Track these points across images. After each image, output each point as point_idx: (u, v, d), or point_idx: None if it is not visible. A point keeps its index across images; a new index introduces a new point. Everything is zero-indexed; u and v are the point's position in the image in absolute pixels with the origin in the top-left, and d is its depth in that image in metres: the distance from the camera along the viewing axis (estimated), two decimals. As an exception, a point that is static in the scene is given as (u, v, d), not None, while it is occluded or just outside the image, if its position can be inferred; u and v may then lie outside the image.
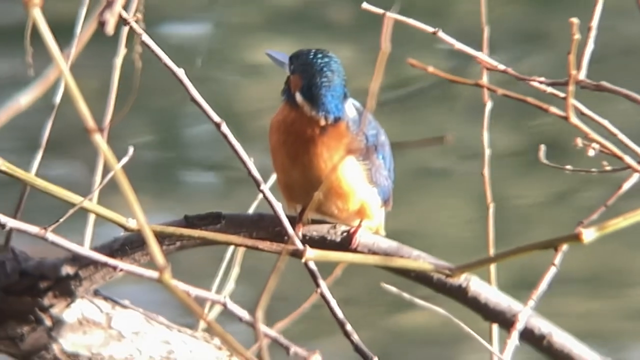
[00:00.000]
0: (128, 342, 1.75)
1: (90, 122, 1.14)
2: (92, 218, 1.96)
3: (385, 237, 1.75)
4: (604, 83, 1.35)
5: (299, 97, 1.71)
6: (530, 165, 3.35)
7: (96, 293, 1.76)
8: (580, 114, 1.43)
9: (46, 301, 1.72)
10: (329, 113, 1.69)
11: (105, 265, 1.64)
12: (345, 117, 1.71)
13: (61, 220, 1.54)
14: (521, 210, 3.27)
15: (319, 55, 1.71)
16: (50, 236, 1.49)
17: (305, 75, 1.70)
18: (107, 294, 1.77)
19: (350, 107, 1.73)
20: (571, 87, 1.27)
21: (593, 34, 1.36)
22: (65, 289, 1.72)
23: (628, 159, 1.36)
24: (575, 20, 1.30)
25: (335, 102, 1.70)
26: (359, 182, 1.71)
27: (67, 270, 1.72)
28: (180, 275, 1.39)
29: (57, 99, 1.87)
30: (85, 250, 1.55)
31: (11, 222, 1.52)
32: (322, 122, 1.69)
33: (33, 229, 1.49)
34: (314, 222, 1.74)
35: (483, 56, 1.52)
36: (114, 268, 1.50)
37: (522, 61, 3.47)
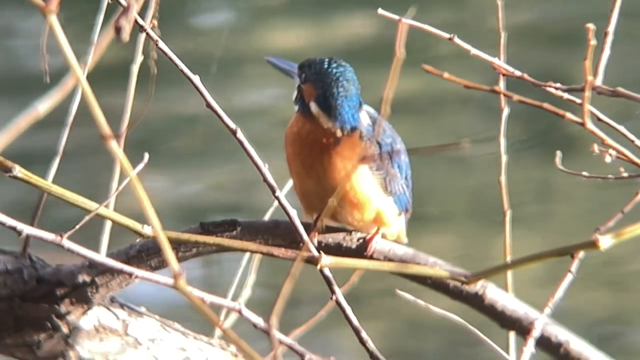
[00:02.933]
0: (144, 349, 1.75)
1: (106, 129, 1.14)
2: (108, 225, 1.96)
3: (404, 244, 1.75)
4: (620, 89, 1.35)
5: (314, 107, 1.70)
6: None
7: (112, 300, 1.77)
8: (597, 120, 1.43)
9: (63, 308, 1.73)
10: (346, 123, 1.69)
11: (121, 272, 1.64)
12: (360, 126, 1.70)
13: (77, 226, 1.55)
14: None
15: (334, 65, 1.70)
16: (67, 243, 1.49)
17: (321, 84, 1.69)
18: (124, 301, 1.78)
19: (365, 116, 1.72)
20: (587, 93, 1.27)
21: (609, 39, 1.35)
22: (82, 296, 1.72)
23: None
24: (591, 26, 1.30)
25: (352, 112, 1.69)
26: (373, 191, 1.71)
27: (84, 277, 1.72)
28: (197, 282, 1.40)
29: (74, 106, 1.88)
30: (101, 257, 1.55)
31: (28, 229, 1.53)
32: (339, 133, 1.68)
33: (49, 235, 1.50)
34: (332, 229, 1.74)
35: (499, 62, 1.52)
36: (130, 275, 1.50)
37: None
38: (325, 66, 1.70)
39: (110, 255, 1.74)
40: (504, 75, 1.51)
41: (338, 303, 1.64)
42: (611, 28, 1.36)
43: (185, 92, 3.52)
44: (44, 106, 1.16)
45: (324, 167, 1.68)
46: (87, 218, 1.53)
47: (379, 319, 3.00)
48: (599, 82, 1.34)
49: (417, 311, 1.87)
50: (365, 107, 1.73)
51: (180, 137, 3.58)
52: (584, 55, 1.27)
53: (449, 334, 2.93)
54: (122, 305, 1.77)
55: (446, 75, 1.38)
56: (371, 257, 1.72)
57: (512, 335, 1.81)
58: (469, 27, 3.73)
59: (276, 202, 1.66)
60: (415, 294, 1.82)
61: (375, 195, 1.71)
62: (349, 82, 1.69)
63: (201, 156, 3.52)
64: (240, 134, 1.65)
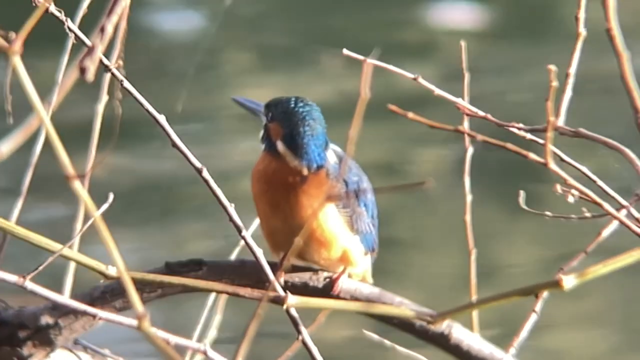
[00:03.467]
0: (108, 391, 1.73)
1: (69, 169, 1.14)
2: (72, 266, 1.95)
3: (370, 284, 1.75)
4: (582, 130, 1.36)
5: (280, 146, 1.70)
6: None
7: (76, 342, 1.75)
8: (560, 161, 1.44)
9: (25, 351, 1.70)
10: (312, 162, 1.69)
11: (85, 313, 1.63)
12: (326, 164, 1.71)
13: (40, 268, 1.53)
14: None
15: (300, 104, 1.71)
16: (29, 285, 1.48)
17: (287, 123, 1.70)
18: (87, 343, 1.76)
19: (332, 154, 1.73)
20: (550, 134, 1.28)
21: (571, 80, 1.37)
22: (44, 339, 1.70)
23: (607, 206, 1.37)
24: (553, 67, 1.31)
25: (319, 150, 1.70)
26: (339, 229, 1.71)
27: (47, 319, 1.70)
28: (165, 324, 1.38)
29: (38, 147, 1.87)
30: (64, 298, 1.54)
31: (-10, 271, 1.51)
32: (305, 172, 1.69)
33: (12, 277, 1.48)
34: (298, 268, 1.73)
35: (463, 102, 1.53)
36: (94, 316, 1.49)
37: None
38: (292, 105, 1.70)
39: (73, 296, 1.72)
40: (467, 115, 1.52)
41: (304, 343, 1.63)
42: (572, 69, 1.38)
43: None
44: (6, 147, 1.16)
45: (290, 205, 1.68)
46: (50, 259, 1.52)
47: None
48: (561, 122, 1.36)
49: (385, 352, 1.86)
50: (332, 146, 1.74)
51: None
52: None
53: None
54: (85, 348, 1.75)
55: (410, 115, 1.39)
56: (338, 297, 1.72)
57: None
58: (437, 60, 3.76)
59: (242, 242, 1.66)
60: (383, 334, 1.82)
61: (341, 234, 1.71)
62: (315, 121, 1.70)
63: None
64: (205, 173, 1.65)
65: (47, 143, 1.21)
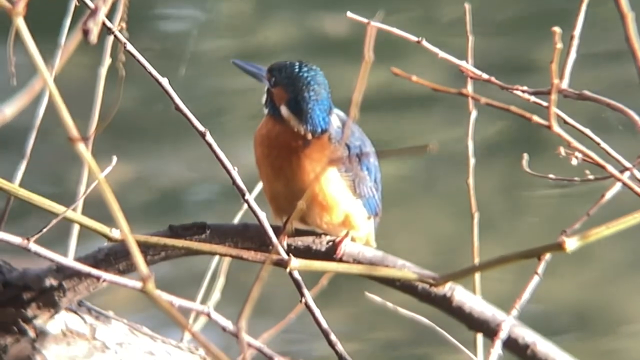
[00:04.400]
0: (112, 353, 1.74)
1: (73, 131, 1.14)
2: (76, 228, 1.95)
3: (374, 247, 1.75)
4: (586, 92, 1.36)
5: (285, 110, 1.70)
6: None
7: (80, 304, 1.76)
8: (564, 123, 1.44)
9: (30, 312, 1.71)
10: (317, 127, 1.69)
11: (89, 275, 1.63)
12: (329, 128, 1.71)
13: (44, 230, 1.54)
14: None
15: (305, 69, 1.70)
16: (33, 246, 1.48)
17: (292, 88, 1.69)
18: (91, 305, 1.77)
19: (335, 119, 1.73)
20: (553, 96, 1.28)
21: (575, 43, 1.37)
22: (49, 300, 1.71)
23: (610, 168, 1.37)
24: (557, 29, 1.31)
25: (323, 115, 1.70)
26: (341, 193, 1.71)
27: (51, 281, 1.71)
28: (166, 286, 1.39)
29: (41, 109, 1.87)
30: (68, 260, 1.55)
31: (-6, 233, 1.51)
32: (309, 136, 1.69)
33: (16, 239, 1.49)
34: (301, 232, 1.74)
35: (466, 65, 1.53)
36: (98, 279, 1.49)
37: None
38: (296, 70, 1.70)
39: (77, 259, 1.73)
40: (471, 78, 1.52)
41: (307, 306, 1.64)
42: (577, 32, 1.37)
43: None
44: (10, 109, 1.16)
45: (292, 169, 1.68)
46: (54, 221, 1.52)
47: (347, 307, 3.01)
48: (565, 85, 1.35)
49: (385, 308, 1.87)
50: (335, 111, 1.73)
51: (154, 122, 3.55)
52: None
53: (416, 333, 2.94)
54: (89, 310, 1.76)
55: (414, 78, 1.38)
56: (340, 260, 1.73)
57: (479, 337, 1.82)
58: (437, 20, 3.75)
59: (246, 205, 1.66)
60: (383, 292, 1.83)
61: (343, 198, 1.71)
62: (320, 85, 1.70)
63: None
64: (209, 137, 1.65)
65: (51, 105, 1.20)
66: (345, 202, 1.72)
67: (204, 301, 2.04)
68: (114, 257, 1.71)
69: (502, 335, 1.60)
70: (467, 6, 1.71)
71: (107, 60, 1.91)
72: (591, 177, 1.49)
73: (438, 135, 3.43)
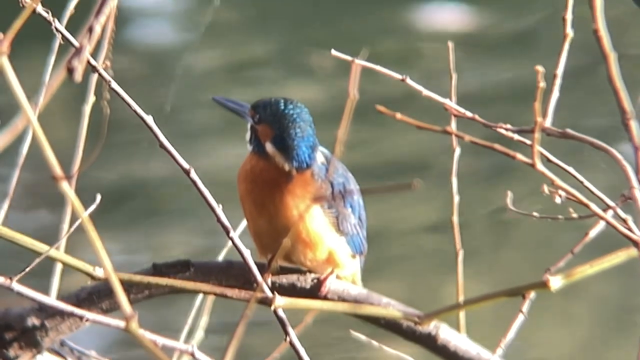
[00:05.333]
0: (95, 393, 1.72)
1: (57, 170, 1.13)
2: (59, 267, 1.94)
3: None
4: (569, 130, 1.37)
5: (270, 147, 1.70)
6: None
7: (62, 344, 1.74)
8: (547, 161, 1.45)
9: (12, 352, 1.70)
10: (302, 163, 1.69)
11: (72, 315, 1.62)
12: (313, 165, 1.71)
13: (27, 269, 1.53)
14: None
15: (290, 106, 1.71)
16: (16, 286, 1.47)
17: (277, 126, 1.70)
18: (73, 345, 1.75)
19: (320, 156, 1.73)
20: (537, 135, 1.29)
21: (558, 82, 1.38)
22: (31, 340, 1.70)
23: (594, 207, 1.37)
24: (540, 68, 1.32)
25: (309, 151, 1.70)
26: (325, 230, 1.71)
27: (33, 320, 1.70)
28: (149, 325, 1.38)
29: (25, 148, 1.86)
30: (51, 300, 1.53)
31: (-24, 272, 1.50)
32: (292, 172, 1.69)
33: (-2, 278, 1.47)
34: (285, 270, 1.73)
35: (451, 103, 1.53)
36: (81, 318, 1.48)
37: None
38: (282, 107, 1.70)
39: (60, 297, 1.71)
40: (455, 116, 1.52)
41: (292, 345, 1.63)
42: (560, 70, 1.38)
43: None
44: (-6, 147, 1.15)
45: (275, 205, 1.68)
46: (37, 260, 1.52)
47: (333, 346, 3.00)
48: (548, 123, 1.36)
49: (373, 353, 1.86)
50: (320, 148, 1.74)
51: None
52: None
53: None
54: (71, 350, 1.74)
55: (399, 115, 1.39)
56: (325, 298, 1.72)
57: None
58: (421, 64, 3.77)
59: (230, 243, 1.66)
60: (370, 334, 1.82)
61: (327, 235, 1.71)
62: (306, 123, 1.70)
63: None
64: (193, 174, 1.65)
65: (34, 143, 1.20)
66: (328, 238, 1.71)
67: (187, 340, 2.02)
68: (97, 296, 1.70)
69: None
70: (450, 44, 1.72)
71: (92, 98, 1.91)
72: (575, 215, 1.49)
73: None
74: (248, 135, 1.74)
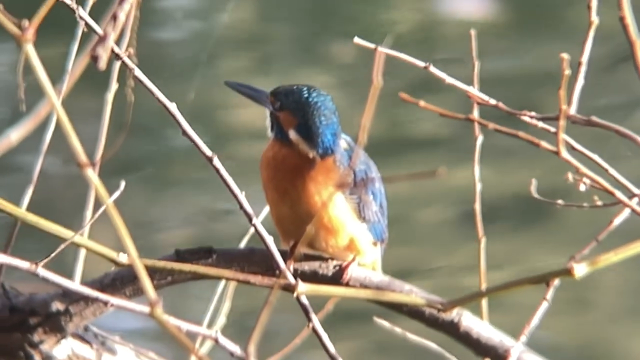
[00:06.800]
0: (118, 378, 1.74)
1: (82, 156, 1.14)
2: (83, 253, 1.95)
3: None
4: (594, 118, 1.36)
5: (293, 134, 1.70)
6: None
7: (86, 329, 1.75)
8: (572, 149, 1.44)
9: (36, 337, 1.71)
10: (327, 150, 1.69)
11: (95, 300, 1.63)
12: (335, 151, 1.71)
13: (52, 255, 1.54)
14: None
15: (314, 94, 1.70)
16: (41, 271, 1.48)
17: (301, 114, 1.69)
18: (98, 330, 1.76)
19: (343, 143, 1.73)
20: (562, 122, 1.28)
21: (583, 69, 1.37)
22: (55, 325, 1.71)
23: (619, 194, 1.37)
24: (565, 55, 1.31)
25: (333, 138, 1.70)
26: (346, 217, 1.71)
27: (58, 305, 1.71)
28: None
29: (48, 134, 1.87)
30: (75, 285, 1.54)
31: (1, 258, 1.51)
32: (315, 159, 1.69)
33: (24, 264, 1.48)
34: (307, 257, 1.73)
35: (474, 90, 1.53)
36: (105, 303, 1.49)
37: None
38: (305, 95, 1.70)
39: (84, 283, 1.72)
40: (478, 104, 1.52)
41: (315, 331, 1.63)
42: (585, 58, 1.37)
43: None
44: (16, 134, 1.16)
45: (297, 191, 1.68)
46: (62, 246, 1.52)
47: (354, 340, 3.00)
48: (572, 111, 1.35)
49: (393, 336, 1.87)
50: (343, 136, 1.73)
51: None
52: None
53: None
54: (95, 335, 1.76)
55: (422, 103, 1.39)
56: (347, 285, 1.72)
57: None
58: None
59: (253, 229, 1.66)
60: (391, 319, 1.82)
61: (348, 221, 1.71)
62: (330, 110, 1.70)
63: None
64: (216, 161, 1.65)
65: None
66: (350, 225, 1.71)
67: (209, 326, 2.03)
68: (121, 282, 1.71)
69: (511, 361, 1.59)
70: (472, 32, 1.72)
71: (115, 86, 1.91)
72: (600, 203, 1.48)
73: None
74: (268, 122, 1.73)
